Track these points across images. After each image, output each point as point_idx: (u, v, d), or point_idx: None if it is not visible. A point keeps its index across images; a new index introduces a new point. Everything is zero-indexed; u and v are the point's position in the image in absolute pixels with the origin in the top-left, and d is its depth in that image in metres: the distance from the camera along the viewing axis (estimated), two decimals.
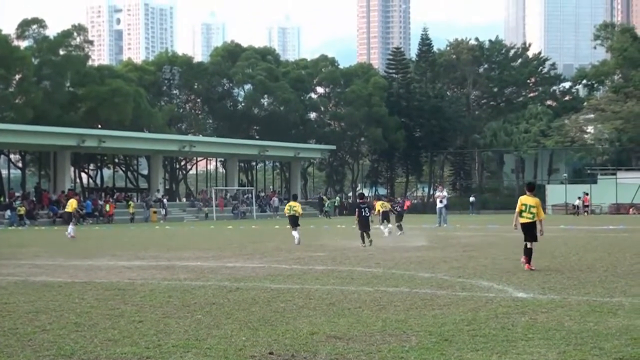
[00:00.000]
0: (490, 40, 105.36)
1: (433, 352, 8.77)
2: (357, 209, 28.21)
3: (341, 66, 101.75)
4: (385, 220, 34.71)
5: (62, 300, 13.05)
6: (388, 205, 36.12)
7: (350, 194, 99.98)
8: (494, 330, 9.94)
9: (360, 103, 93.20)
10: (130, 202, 69.37)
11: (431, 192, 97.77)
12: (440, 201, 47.27)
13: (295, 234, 28.78)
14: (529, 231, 17.81)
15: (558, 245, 25.65)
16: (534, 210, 17.73)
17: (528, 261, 17.65)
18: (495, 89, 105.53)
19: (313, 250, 25.29)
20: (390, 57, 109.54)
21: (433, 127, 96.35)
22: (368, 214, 27.64)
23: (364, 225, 27.18)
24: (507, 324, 10.39)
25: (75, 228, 38.32)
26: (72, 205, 38.61)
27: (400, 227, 36.23)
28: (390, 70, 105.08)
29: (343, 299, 12.95)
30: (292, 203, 30.13)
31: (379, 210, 34.92)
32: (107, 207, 64.87)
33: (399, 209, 38.57)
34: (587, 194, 74.05)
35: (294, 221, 29.09)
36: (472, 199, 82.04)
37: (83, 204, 59.42)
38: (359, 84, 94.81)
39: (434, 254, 23.12)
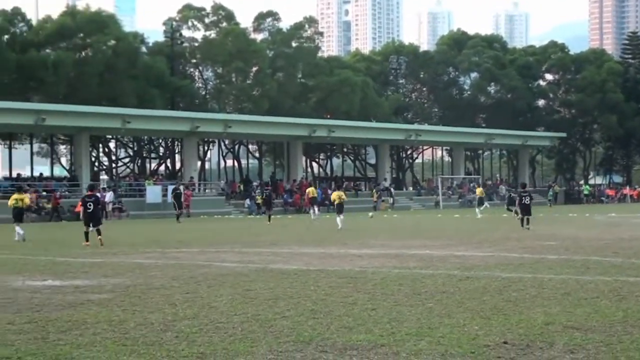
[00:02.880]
0: None
1: None
2: (518, 197, 32.34)
3: (571, 52, 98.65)
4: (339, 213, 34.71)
5: (299, 287, 13.43)
6: (344, 197, 35.41)
7: (582, 181, 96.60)
8: None
9: (592, 89, 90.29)
10: (374, 191, 69.63)
11: None
12: None
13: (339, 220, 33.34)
14: None
15: None
16: None
17: None
18: None
19: (544, 239, 24.69)
20: (626, 42, 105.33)
21: None
22: (529, 201, 31.49)
23: (526, 211, 30.91)
24: None
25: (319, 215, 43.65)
26: (311, 192, 48.42)
27: (524, 221, 30.77)
28: (627, 56, 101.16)
29: (579, 289, 12.58)
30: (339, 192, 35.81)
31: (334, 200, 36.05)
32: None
33: (526, 201, 31.59)
34: None
35: (340, 208, 34.31)
36: None
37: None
38: (591, 70, 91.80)
39: None
